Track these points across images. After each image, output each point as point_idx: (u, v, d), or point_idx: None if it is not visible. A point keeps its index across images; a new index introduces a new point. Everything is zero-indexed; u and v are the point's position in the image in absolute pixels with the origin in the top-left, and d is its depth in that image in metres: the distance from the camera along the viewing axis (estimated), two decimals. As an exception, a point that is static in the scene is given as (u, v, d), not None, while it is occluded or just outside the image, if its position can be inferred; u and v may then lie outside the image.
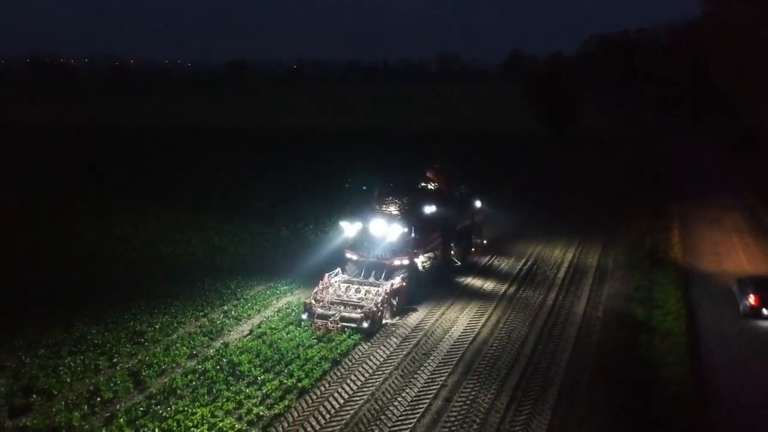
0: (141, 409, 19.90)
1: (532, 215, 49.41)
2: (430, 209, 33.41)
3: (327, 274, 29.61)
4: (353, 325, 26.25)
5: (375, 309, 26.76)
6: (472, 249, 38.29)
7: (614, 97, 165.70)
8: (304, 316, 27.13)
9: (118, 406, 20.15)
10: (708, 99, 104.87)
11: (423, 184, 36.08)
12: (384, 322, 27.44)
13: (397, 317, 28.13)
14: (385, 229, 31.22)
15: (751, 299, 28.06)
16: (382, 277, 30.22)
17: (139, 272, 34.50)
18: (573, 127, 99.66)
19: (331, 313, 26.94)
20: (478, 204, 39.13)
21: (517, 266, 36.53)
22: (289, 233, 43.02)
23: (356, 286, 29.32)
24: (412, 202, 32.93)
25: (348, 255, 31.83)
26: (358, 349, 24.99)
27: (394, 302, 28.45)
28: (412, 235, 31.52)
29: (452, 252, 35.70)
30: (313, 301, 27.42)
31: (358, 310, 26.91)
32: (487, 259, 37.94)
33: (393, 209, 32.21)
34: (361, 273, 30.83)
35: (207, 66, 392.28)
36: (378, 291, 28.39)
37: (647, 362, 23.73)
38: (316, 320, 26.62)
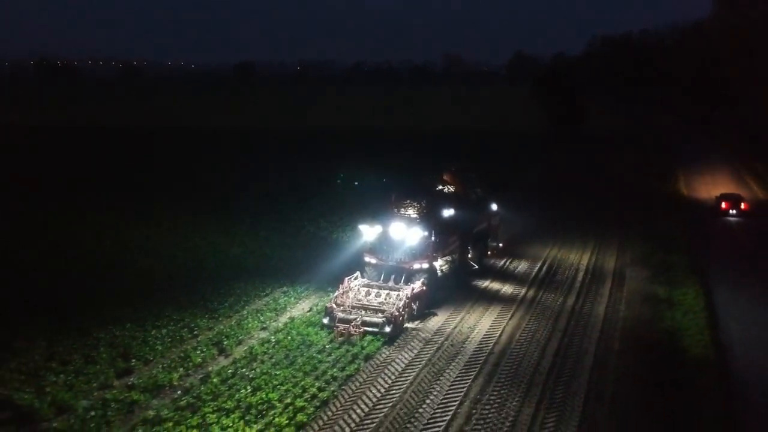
0: (229, 371, 22.57)
1: (544, 214, 49.20)
2: (448, 212, 33.01)
3: (347, 278, 29.29)
4: (375, 329, 26.01)
5: (397, 313, 26.47)
6: (488, 252, 37.99)
7: (619, 97, 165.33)
8: (326, 320, 26.87)
9: (209, 369, 22.80)
10: (714, 98, 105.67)
11: (440, 186, 35.62)
12: (405, 326, 27.08)
13: (418, 321, 27.75)
14: (404, 232, 30.83)
15: (723, 205, 50.00)
16: (402, 281, 29.92)
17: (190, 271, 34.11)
18: (581, 127, 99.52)
19: (352, 317, 26.64)
20: (494, 206, 38.76)
21: (535, 266, 36.51)
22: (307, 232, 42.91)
23: (376, 290, 28.90)
24: (431, 204, 32.40)
25: (367, 258, 31.34)
26: (381, 352, 24.65)
27: (415, 306, 28.14)
28: (432, 238, 31.14)
29: (469, 255, 35.31)
30: (334, 305, 27.17)
31: (380, 315, 26.65)
32: (503, 261, 37.64)
33: (412, 212, 31.73)
34: (380, 277, 30.49)
35: (211, 67, 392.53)
36: (399, 295, 28.02)
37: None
38: (337, 324, 26.35)
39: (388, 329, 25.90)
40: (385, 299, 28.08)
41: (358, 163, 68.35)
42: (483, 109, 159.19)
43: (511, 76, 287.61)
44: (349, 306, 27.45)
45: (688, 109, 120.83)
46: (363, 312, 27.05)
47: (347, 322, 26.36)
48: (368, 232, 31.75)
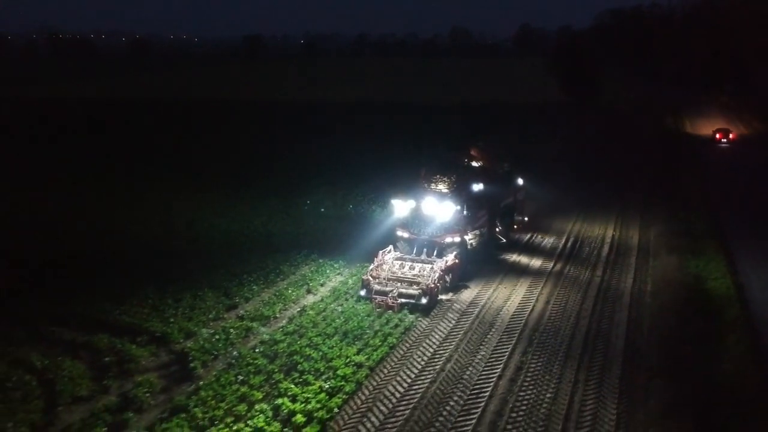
0: (321, 306, 26.63)
1: (567, 181, 50.45)
2: (477, 187, 33.10)
3: (381, 252, 29.61)
4: (411, 301, 26.35)
5: (432, 285, 26.79)
6: (515, 226, 38.11)
7: (630, 70, 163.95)
8: (362, 293, 27.22)
9: (303, 303, 26.98)
10: (725, 71, 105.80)
11: (468, 161, 35.68)
12: (440, 298, 27.40)
13: (451, 293, 28.08)
14: (436, 207, 31.01)
15: (717, 135, 70.11)
16: (434, 254, 30.12)
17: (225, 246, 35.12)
18: (597, 98, 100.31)
19: (388, 289, 26.95)
20: (520, 181, 38.84)
21: (562, 238, 37.09)
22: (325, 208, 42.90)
23: (409, 263, 29.20)
24: (461, 179, 32.51)
25: (399, 233, 31.61)
26: (418, 325, 25.09)
27: (448, 279, 28.42)
28: (464, 212, 31.36)
29: (497, 229, 35.54)
30: (370, 278, 27.47)
31: (415, 287, 26.98)
32: (529, 235, 37.77)
33: (443, 187, 31.79)
34: (413, 250, 30.71)
35: (217, 41, 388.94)
36: (433, 268, 28.29)
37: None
38: (374, 296, 26.71)
39: (424, 300, 26.25)
40: (419, 272, 28.31)
41: (385, 138, 68.63)
42: (494, 81, 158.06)
43: (519, 48, 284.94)
44: (384, 278, 27.74)
45: (700, 82, 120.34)
46: (399, 284, 27.32)
47: (384, 293, 26.71)
48: (400, 206, 31.94)
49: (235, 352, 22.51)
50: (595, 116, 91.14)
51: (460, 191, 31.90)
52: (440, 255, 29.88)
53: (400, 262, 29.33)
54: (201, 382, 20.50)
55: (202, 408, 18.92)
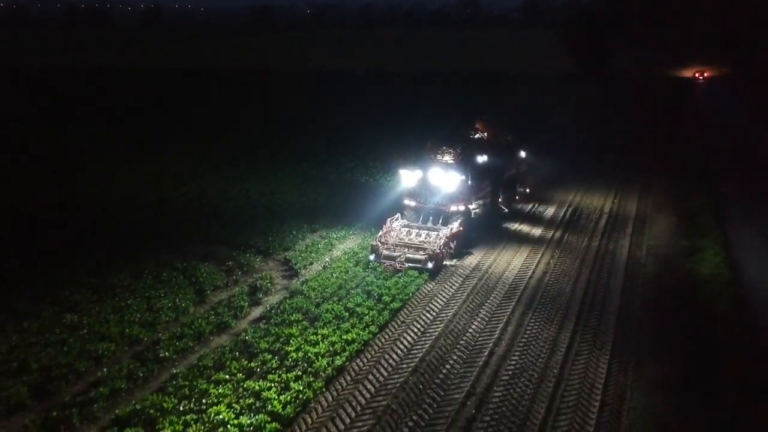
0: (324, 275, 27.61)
1: (573, 149, 52.65)
2: (482, 158, 34.02)
3: (389, 219, 30.72)
4: (418, 265, 27.57)
5: (438, 251, 28.04)
6: (517, 197, 39.06)
7: (638, 41, 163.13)
8: (372, 257, 28.39)
9: (306, 276, 27.64)
10: (730, 42, 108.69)
11: (473, 134, 36.72)
12: (444, 263, 28.61)
13: (455, 260, 29.27)
14: (442, 177, 31.87)
15: (696, 74, 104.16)
16: (440, 222, 31.26)
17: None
18: (604, 68, 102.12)
19: (396, 254, 28.14)
20: (522, 154, 39.75)
21: (563, 208, 38.01)
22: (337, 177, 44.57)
23: (416, 231, 30.34)
24: (466, 151, 33.24)
25: (406, 202, 32.60)
26: (424, 287, 26.29)
27: (453, 245, 29.55)
28: (468, 183, 32.28)
29: (500, 200, 36.59)
30: (379, 243, 28.66)
31: (422, 252, 28.11)
32: (530, 206, 38.65)
33: (449, 158, 32.67)
34: (419, 219, 31.84)
35: (224, 11, 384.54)
36: (439, 235, 29.44)
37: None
38: (383, 261, 27.98)
39: (430, 265, 27.46)
40: (426, 238, 29.49)
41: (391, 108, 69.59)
42: (501, 51, 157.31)
43: (527, 19, 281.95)
44: (392, 244, 29.00)
45: (705, 54, 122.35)
46: (406, 249, 28.59)
47: (392, 258, 28.01)
48: (408, 176, 32.97)
49: (327, 258, 29.04)
50: (604, 85, 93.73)
51: (465, 162, 32.59)
52: (445, 223, 30.99)
53: (407, 229, 30.45)
54: (306, 277, 26.81)
55: (313, 292, 25.12)
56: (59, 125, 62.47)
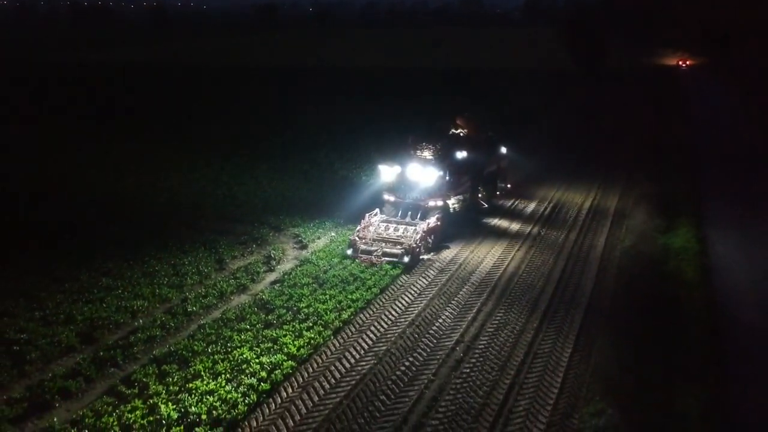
0: (331, 247, 30.54)
1: (563, 144, 54.04)
2: (461, 154, 34.51)
3: (367, 214, 31.29)
4: (395, 259, 28.13)
5: (414, 245, 28.54)
6: (497, 192, 39.27)
7: (635, 39, 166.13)
8: (349, 252, 28.85)
9: (314, 248, 30.66)
10: (709, 35, 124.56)
11: (453, 130, 37.12)
12: (421, 257, 29.17)
13: (432, 253, 29.76)
14: (421, 172, 32.53)
15: (679, 62, 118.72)
16: (418, 217, 31.65)
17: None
18: (602, 67, 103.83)
19: (373, 249, 28.65)
20: (503, 150, 39.92)
21: (543, 204, 38.37)
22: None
23: (394, 225, 30.74)
24: (445, 147, 33.89)
25: (386, 197, 33.19)
26: (401, 279, 27.11)
27: (430, 240, 29.98)
28: (447, 178, 32.91)
29: (480, 195, 36.90)
30: (356, 238, 29.10)
31: (399, 247, 28.63)
32: (511, 201, 39.03)
33: (428, 154, 33.27)
34: (398, 213, 32.19)
35: (225, 9, 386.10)
36: (416, 229, 29.83)
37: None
38: (360, 255, 28.52)
39: (406, 259, 27.93)
40: (403, 233, 29.88)
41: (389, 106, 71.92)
42: (503, 49, 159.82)
43: (528, 17, 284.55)
44: (370, 239, 29.34)
45: (687, 45, 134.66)
46: (383, 244, 28.98)
47: (369, 253, 28.47)
48: (387, 172, 33.56)
49: (332, 233, 32.23)
50: (598, 80, 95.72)
51: (443, 158, 33.30)
52: (424, 218, 31.34)
53: (386, 224, 30.90)
54: (314, 248, 30.24)
55: (321, 261, 28.38)
56: (81, 120, 65.10)
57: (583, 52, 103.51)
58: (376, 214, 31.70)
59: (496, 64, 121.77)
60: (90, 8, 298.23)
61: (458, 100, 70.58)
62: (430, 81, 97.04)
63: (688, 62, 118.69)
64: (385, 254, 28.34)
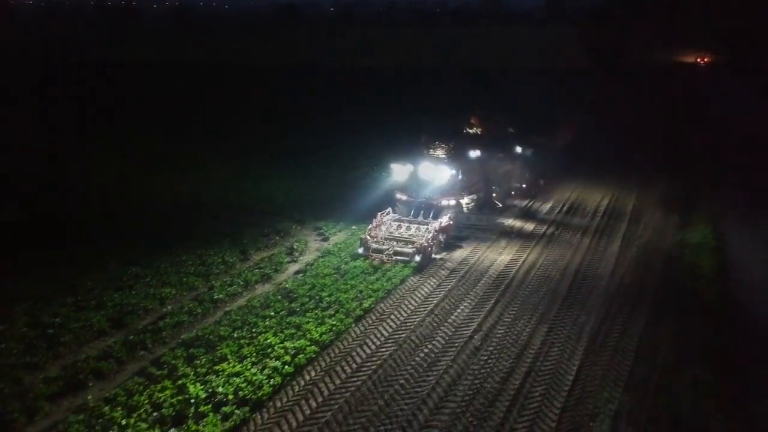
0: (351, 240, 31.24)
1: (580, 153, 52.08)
2: (474, 153, 34.35)
3: (379, 213, 31.16)
4: (406, 258, 27.90)
5: (426, 245, 28.31)
6: (512, 192, 38.68)
7: (648, 33, 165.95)
8: (360, 250, 28.72)
9: (335, 240, 31.57)
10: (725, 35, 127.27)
11: (467, 129, 37.04)
12: (433, 257, 28.90)
13: (444, 253, 29.60)
14: (433, 171, 32.43)
15: (698, 59, 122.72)
16: (430, 216, 31.43)
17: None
18: (624, 64, 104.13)
19: (384, 247, 28.52)
20: (518, 149, 39.25)
21: (559, 204, 38.13)
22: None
23: (406, 224, 30.60)
24: (459, 146, 33.63)
25: (398, 196, 33.13)
26: (411, 280, 26.78)
27: (442, 239, 29.77)
28: (459, 177, 32.62)
29: (494, 195, 36.29)
30: (368, 237, 28.98)
31: (410, 246, 28.50)
32: (527, 201, 38.56)
33: (440, 153, 33.10)
34: (410, 212, 32.05)
35: (246, 8, 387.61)
36: (428, 228, 29.70)
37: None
38: (371, 254, 28.34)
39: (417, 258, 27.65)
40: (415, 232, 29.76)
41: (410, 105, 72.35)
42: (523, 48, 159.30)
43: (549, 16, 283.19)
44: (381, 238, 29.21)
45: (704, 44, 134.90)
46: (394, 243, 28.83)
47: (380, 252, 28.29)
48: (399, 170, 33.54)
49: (354, 227, 32.77)
50: (619, 78, 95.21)
51: (456, 157, 33.15)
52: (436, 217, 31.11)
53: (398, 223, 30.75)
54: (335, 241, 31.26)
55: (342, 252, 29.36)
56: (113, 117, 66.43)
57: (603, 50, 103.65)
58: (388, 213, 31.57)
59: (516, 63, 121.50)
60: (113, 8, 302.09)
61: (477, 99, 70.63)
62: (449, 81, 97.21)
63: (705, 59, 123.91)
64: (396, 253, 28.21)
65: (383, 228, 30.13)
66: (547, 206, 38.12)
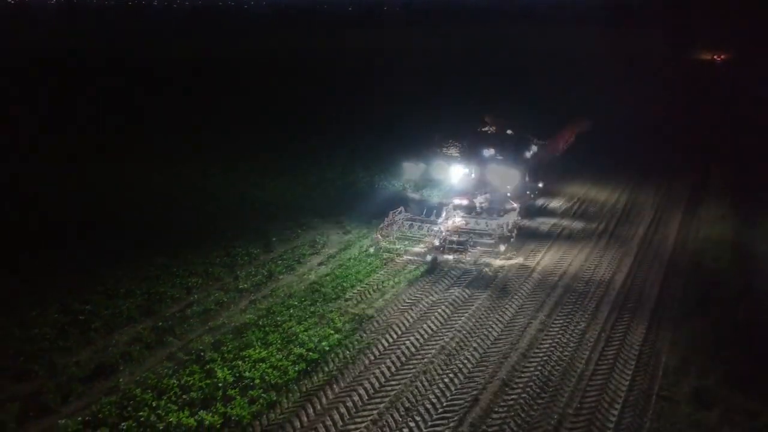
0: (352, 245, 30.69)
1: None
2: (488, 152, 33.94)
3: (391, 212, 31.03)
4: (417, 258, 27.92)
5: (438, 245, 28.39)
6: (527, 192, 37.27)
7: (670, 36, 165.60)
8: (372, 250, 28.87)
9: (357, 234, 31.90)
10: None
11: (481, 128, 36.57)
12: (444, 256, 28.33)
13: (456, 253, 28.79)
14: (446, 170, 32.39)
15: (714, 56, 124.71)
16: (443, 216, 31.16)
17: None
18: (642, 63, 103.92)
19: (396, 246, 28.65)
20: (534, 148, 38.23)
21: (570, 203, 37.74)
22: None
23: (418, 224, 30.43)
24: (472, 145, 33.47)
25: (410, 195, 33.36)
26: (424, 277, 26.72)
27: (455, 239, 29.28)
28: (472, 176, 32.50)
29: (508, 194, 34.94)
30: (379, 236, 29.24)
31: (422, 246, 28.59)
32: (542, 201, 38.02)
33: (453, 152, 33.01)
34: (422, 212, 31.70)
35: (264, 6, 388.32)
36: (440, 228, 29.60)
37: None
38: (382, 254, 28.40)
39: (429, 258, 27.66)
40: (427, 232, 29.70)
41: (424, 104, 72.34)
42: (540, 45, 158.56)
43: (576, 12, 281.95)
44: (393, 237, 29.38)
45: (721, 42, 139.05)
46: (406, 242, 28.93)
47: (391, 251, 28.41)
48: (411, 169, 33.60)
49: (374, 220, 32.07)
50: (639, 79, 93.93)
51: (469, 155, 32.96)
52: (449, 216, 31.01)
53: (410, 222, 30.71)
54: (354, 234, 31.71)
55: (363, 243, 30.04)
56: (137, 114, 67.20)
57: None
58: (400, 212, 31.44)
59: (534, 61, 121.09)
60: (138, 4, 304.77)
61: (500, 97, 70.60)
62: (473, 79, 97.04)
63: (722, 57, 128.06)
64: (407, 252, 28.32)
65: (395, 227, 30.20)
66: (560, 204, 37.88)
